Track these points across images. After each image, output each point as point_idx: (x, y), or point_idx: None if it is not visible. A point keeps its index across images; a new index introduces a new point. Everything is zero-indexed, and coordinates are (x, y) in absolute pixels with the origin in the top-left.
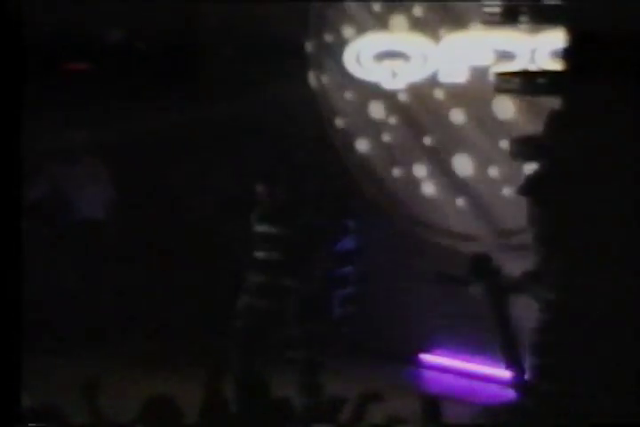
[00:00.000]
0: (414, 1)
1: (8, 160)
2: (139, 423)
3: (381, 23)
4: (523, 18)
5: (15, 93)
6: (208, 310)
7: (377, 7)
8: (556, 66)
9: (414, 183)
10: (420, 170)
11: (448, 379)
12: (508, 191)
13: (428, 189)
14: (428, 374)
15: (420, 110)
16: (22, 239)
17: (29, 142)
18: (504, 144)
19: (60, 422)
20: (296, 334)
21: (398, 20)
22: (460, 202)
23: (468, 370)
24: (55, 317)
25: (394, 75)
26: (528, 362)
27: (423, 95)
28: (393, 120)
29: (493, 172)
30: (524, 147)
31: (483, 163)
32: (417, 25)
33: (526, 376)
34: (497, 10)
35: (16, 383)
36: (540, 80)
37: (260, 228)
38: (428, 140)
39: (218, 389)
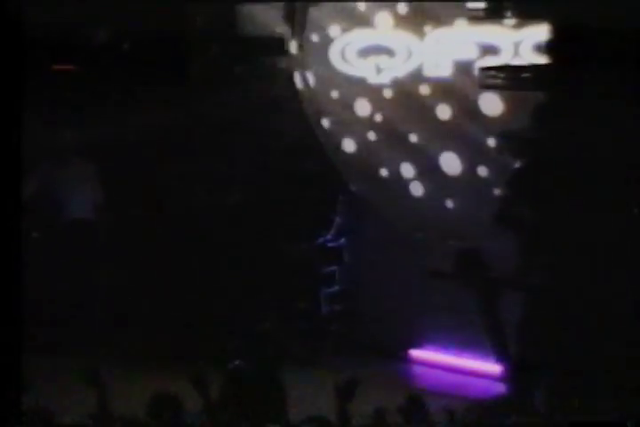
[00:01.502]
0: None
1: (7, 161)
2: (144, 420)
3: (366, 21)
4: (507, 13)
5: (14, 93)
6: (199, 309)
7: (362, 6)
8: (541, 60)
9: (402, 181)
10: (407, 169)
11: (438, 374)
12: (495, 188)
13: (416, 187)
14: (418, 369)
15: (405, 107)
16: (21, 240)
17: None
18: (491, 140)
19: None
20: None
21: (383, 17)
22: (449, 200)
23: (458, 365)
24: (47, 316)
25: (379, 70)
26: (517, 356)
27: (409, 91)
28: (379, 118)
29: (481, 169)
30: (511, 142)
31: (470, 160)
32: (401, 21)
33: (515, 370)
34: (481, 5)
35: (16, 384)
36: (525, 75)
37: None
38: (414, 138)
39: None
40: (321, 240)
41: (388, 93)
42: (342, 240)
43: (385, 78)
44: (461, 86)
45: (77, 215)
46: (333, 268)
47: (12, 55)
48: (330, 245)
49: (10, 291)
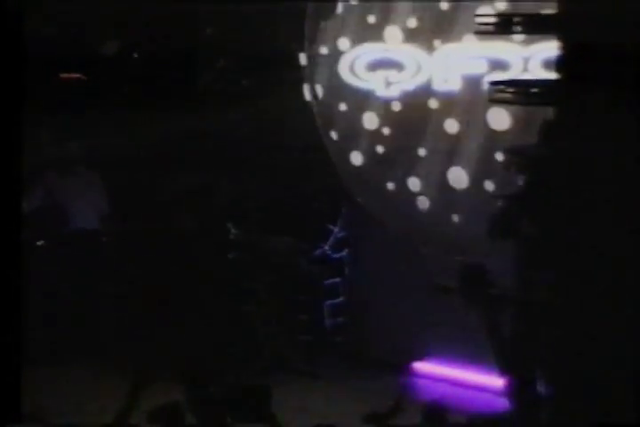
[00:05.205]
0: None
1: (8, 171)
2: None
3: (376, 34)
4: (516, 28)
5: (18, 101)
6: (202, 320)
7: (372, 18)
8: (550, 75)
9: (409, 195)
10: (414, 182)
11: (441, 388)
12: (501, 203)
13: (423, 201)
14: (422, 382)
15: (414, 120)
16: (21, 249)
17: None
18: (498, 155)
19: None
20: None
21: (393, 31)
22: (455, 214)
23: (462, 379)
24: (49, 327)
25: (388, 84)
26: (521, 370)
27: (417, 105)
28: (387, 131)
29: (488, 184)
30: (518, 158)
31: (477, 175)
32: (411, 35)
33: (519, 385)
34: (491, 20)
35: (16, 384)
36: (534, 90)
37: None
38: (422, 152)
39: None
40: (319, 251)
41: (396, 107)
42: (346, 252)
43: (394, 92)
44: (470, 101)
45: (81, 226)
46: (337, 280)
47: (15, 63)
48: (333, 256)
49: (11, 296)
